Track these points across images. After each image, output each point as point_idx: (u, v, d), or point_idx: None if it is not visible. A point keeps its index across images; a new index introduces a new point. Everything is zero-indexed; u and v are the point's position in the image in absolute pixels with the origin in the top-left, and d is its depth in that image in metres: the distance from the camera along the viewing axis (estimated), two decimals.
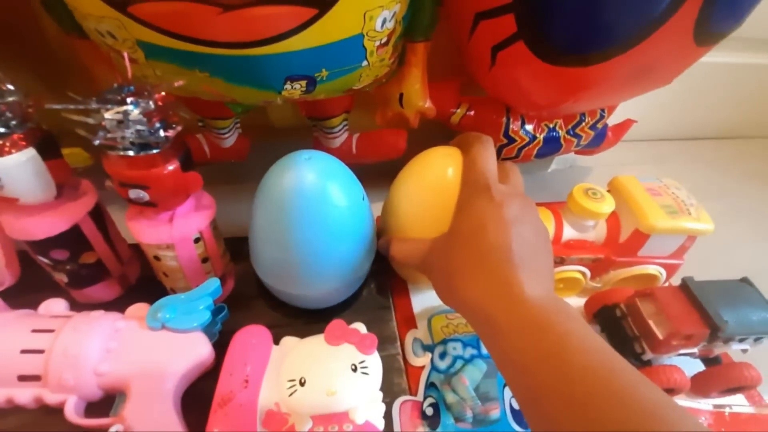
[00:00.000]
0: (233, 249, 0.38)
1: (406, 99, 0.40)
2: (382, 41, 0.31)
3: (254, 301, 0.38)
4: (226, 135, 0.43)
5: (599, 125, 0.49)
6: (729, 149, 0.69)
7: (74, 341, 0.27)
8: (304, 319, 0.36)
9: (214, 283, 0.32)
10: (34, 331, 0.28)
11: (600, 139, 0.54)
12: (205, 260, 0.33)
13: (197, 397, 0.29)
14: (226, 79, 0.28)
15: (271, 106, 0.47)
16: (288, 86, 0.30)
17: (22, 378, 0.27)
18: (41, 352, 0.27)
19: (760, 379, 0.32)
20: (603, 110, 0.48)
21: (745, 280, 0.32)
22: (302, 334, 0.34)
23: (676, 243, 0.36)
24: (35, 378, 0.27)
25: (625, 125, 0.57)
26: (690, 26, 0.31)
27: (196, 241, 0.31)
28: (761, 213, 0.57)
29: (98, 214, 0.33)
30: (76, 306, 0.36)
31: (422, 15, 0.34)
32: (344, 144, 0.46)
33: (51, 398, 0.27)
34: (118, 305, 0.32)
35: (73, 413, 0.27)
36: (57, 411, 0.27)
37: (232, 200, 0.37)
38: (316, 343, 0.33)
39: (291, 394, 0.30)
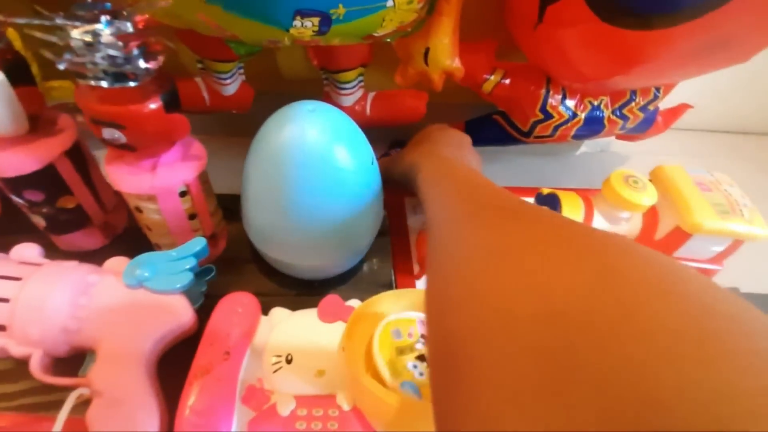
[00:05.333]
0: (229, 207, 0.35)
1: (432, 55, 0.35)
2: None
3: (246, 265, 0.35)
4: (228, 81, 0.39)
5: (651, 107, 0.44)
6: None
7: (41, 293, 0.25)
8: (297, 290, 0.34)
9: (200, 242, 0.29)
10: (0, 277, 0.25)
11: (648, 124, 0.49)
12: (192, 216, 0.30)
13: (177, 364, 0.27)
14: (225, 7, 0.24)
15: (280, 50, 0.42)
16: (297, 23, 0.26)
17: None
18: (6, 301, 0.24)
19: None
20: (657, 89, 0.42)
21: None
22: (294, 307, 0.31)
23: (720, 246, 0.32)
24: (0, 327, 0.24)
25: (678, 110, 0.51)
26: None
27: (182, 194, 0.28)
28: None
29: (78, 155, 0.30)
30: (58, 253, 0.34)
31: None
32: (358, 103, 0.41)
33: (15, 350, 0.25)
34: (102, 255, 0.30)
35: (37, 368, 0.25)
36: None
37: (232, 154, 0.34)
38: (307, 317, 0.30)
39: (276, 371, 0.27)
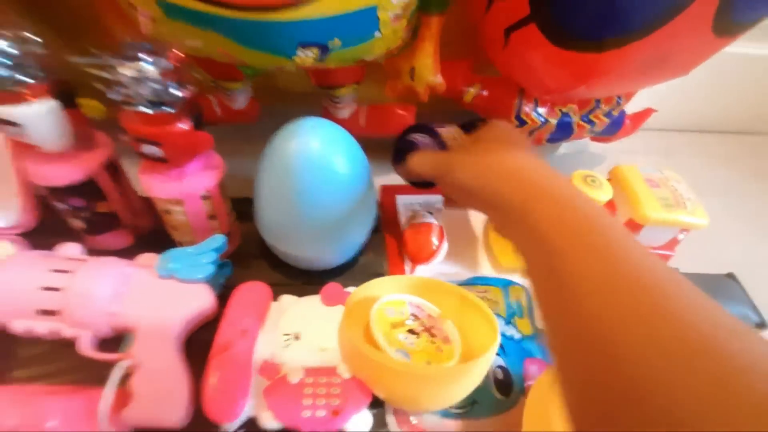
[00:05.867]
0: (239, 209, 0.40)
1: (417, 73, 0.40)
2: (397, 13, 0.31)
3: (257, 260, 0.40)
4: (238, 97, 0.44)
5: (615, 112, 0.49)
6: (741, 145, 0.68)
7: (88, 283, 0.29)
8: (303, 280, 0.38)
9: (220, 239, 0.34)
10: (52, 270, 0.30)
11: (616, 127, 0.54)
12: (212, 217, 0.35)
13: (199, 345, 0.31)
14: (239, 42, 0.29)
15: (283, 71, 0.47)
16: (300, 53, 0.31)
17: (41, 312, 0.29)
18: (59, 290, 0.29)
19: None
20: (619, 97, 0.47)
21: (730, 276, 0.33)
22: (300, 294, 0.36)
23: (670, 235, 0.37)
24: (53, 313, 0.29)
25: (644, 114, 0.56)
26: (710, 14, 0.30)
27: (204, 198, 0.33)
28: (761, 212, 0.57)
29: (112, 167, 0.34)
30: (90, 252, 0.39)
31: None
32: (353, 115, 0.46)
33: (67, 332, 0.29)
34: (129, 254, 0.34)
35: (86, 347, 0.29)
36: (72, 343, 0.30)
37: (241, 160, 0.38)
38: (312, 302, 0.35)
39: (286, 347, 0.32)
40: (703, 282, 0.32)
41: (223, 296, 0.34)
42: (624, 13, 0.31)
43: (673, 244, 0.38)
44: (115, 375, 0.27)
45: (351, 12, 0.28)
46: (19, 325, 0.29)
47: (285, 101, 0.49)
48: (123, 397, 0.28)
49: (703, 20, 0.30)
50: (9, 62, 0.26)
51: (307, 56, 0.31)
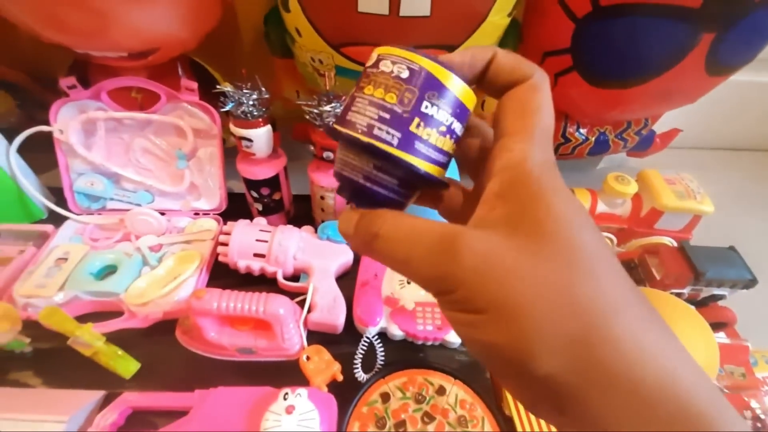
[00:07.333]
0: None
1: (487, 104, 0.56)
2: None
3: None
4: None
5: (644, 131, 0.61)
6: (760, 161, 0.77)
7: (283, 238, 0.47)
8: None
9: None
10: (261, 230, 0.48)
11: (647, 144, 0.66)
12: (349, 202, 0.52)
13: (344, 283, 0.48)
14: None
15: None
16: None
17: (256, 255, 0.47)
18: (266, 241, 0.47)
19: (735, 319, 0.44)
20: (647, 119, 0.60)
21: (731, 248, 0.44)
22: None
23: (684, 220, 0.49)
24: (262, 256, 0.47)
25: (671, 134, 0.68)
26: (702, 61, 0.43)
27: None
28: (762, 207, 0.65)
29: (285, 169, 0.53)
30: None
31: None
32: None
33: (269, 269, 0.47)
34: None
35: (281, 279, 0.46)
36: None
37: None
38: None
39: (401, 288, 0.47)
40: (709, 251, 0.44)
41: (354, 258, 0.51)
42: (640, 62, 0.45)
43: (689, 228, 0.50)
44: (309, 293, 0.44)
45: None
46: (242, 263, 0.47)
47: None
48: (310, 307, 0.44)
49: (698, 65, 0.44)
50: (253, 103, 0.45)
51: None
